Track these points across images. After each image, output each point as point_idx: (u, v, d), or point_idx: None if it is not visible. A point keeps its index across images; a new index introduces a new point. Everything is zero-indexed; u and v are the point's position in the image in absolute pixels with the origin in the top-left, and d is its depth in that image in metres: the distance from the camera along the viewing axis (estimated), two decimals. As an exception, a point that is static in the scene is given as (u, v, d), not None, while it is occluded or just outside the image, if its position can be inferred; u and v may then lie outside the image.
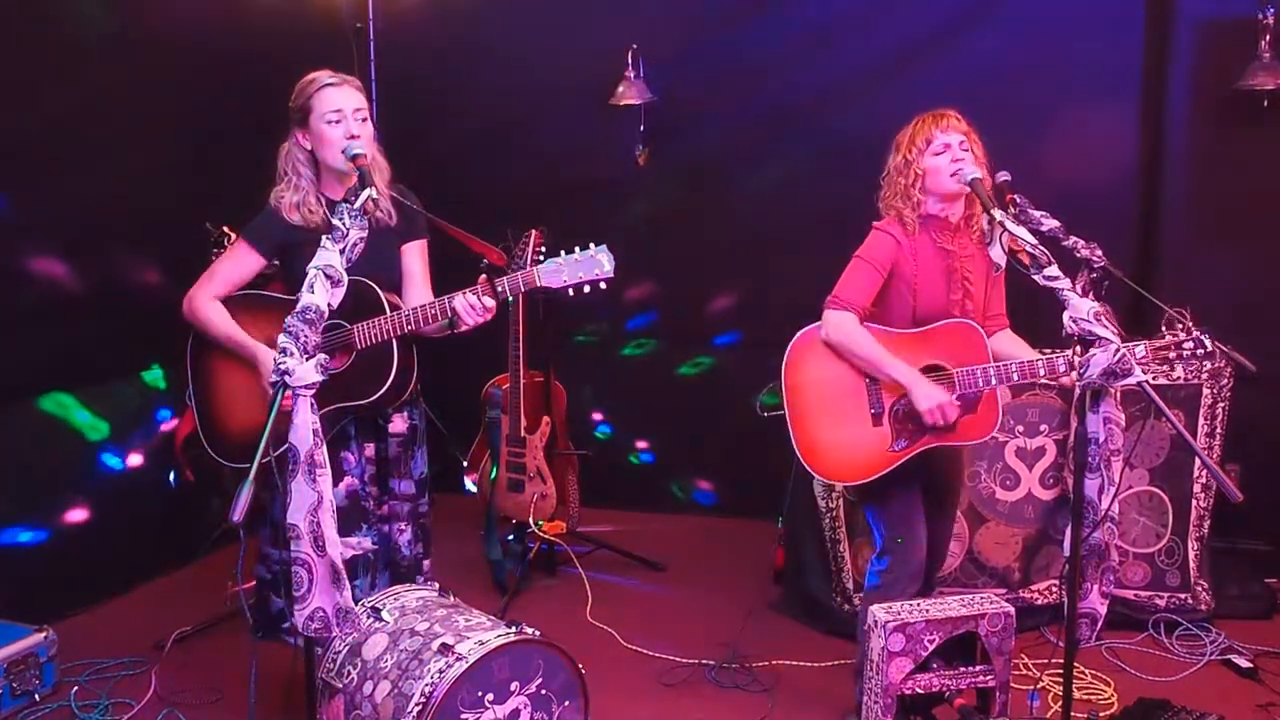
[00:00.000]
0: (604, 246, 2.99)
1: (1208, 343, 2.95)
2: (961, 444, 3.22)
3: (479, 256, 3.38)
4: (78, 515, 4.16)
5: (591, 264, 2.97)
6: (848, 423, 3.17)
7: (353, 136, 3.02)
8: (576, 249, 2.99)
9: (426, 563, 3.36)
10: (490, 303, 2.99)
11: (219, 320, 3.15)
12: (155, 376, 4.44)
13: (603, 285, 3.00)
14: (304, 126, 3.10)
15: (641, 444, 5.40)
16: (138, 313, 4.21)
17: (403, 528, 3.27)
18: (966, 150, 3.09)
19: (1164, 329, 2.99)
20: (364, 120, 3.08)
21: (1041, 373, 3.06)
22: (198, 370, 3.26)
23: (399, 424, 3.25)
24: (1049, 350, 3.23)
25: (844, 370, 3.17)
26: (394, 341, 3.04)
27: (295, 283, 3.11)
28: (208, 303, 3.16)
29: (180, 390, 3.76)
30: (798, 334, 3.21)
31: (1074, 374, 2.85)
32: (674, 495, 5.37)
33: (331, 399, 3.01)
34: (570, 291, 3.00)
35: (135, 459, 4.38)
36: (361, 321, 3.03)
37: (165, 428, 4.46)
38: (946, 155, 3.10)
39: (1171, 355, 2.97)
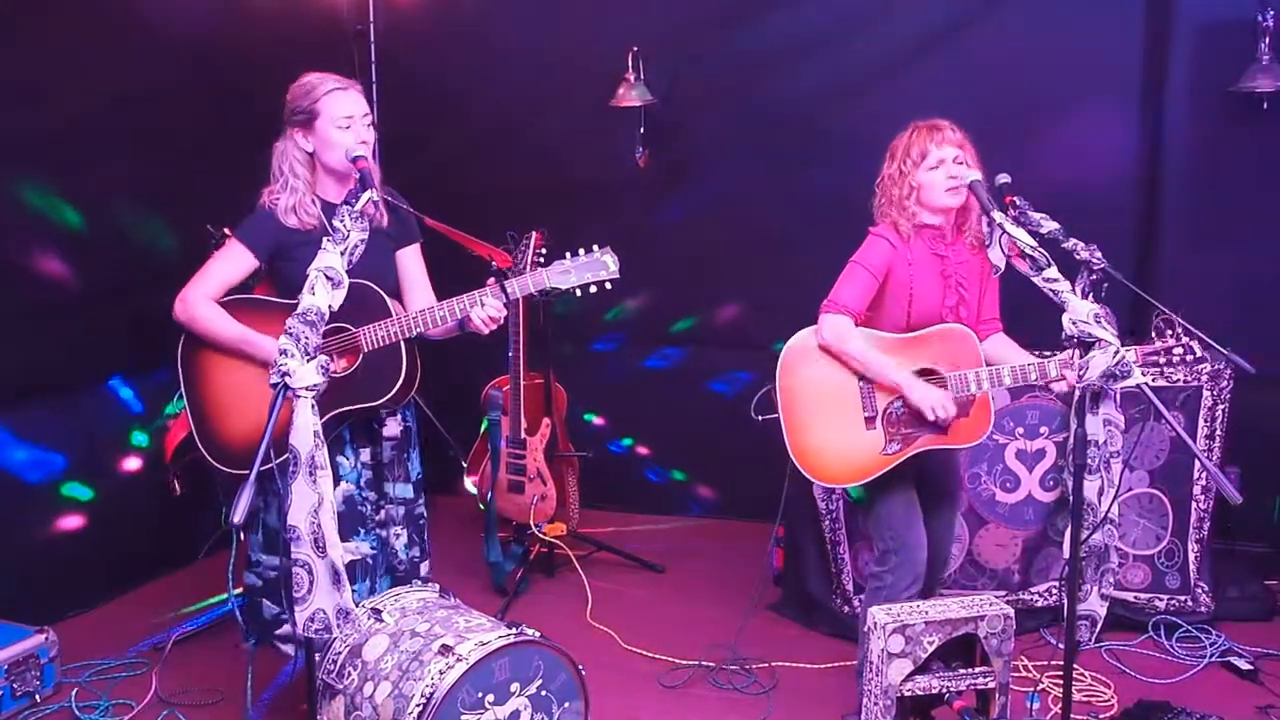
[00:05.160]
0: (608, 248, 3.09)
1: (1197, 349, 2.95)
2: (954, 447, 3.23)
3: (475, 258, 3.40)
4: (78, 517, 4.16)
5: (598, 265, 3.07)
6: (842, 426, 3.18)
7: (364, 142, 3.03)
8: (582, 251, 3.09)
9: (424, 565, 3.35)
10: (500, 306, 3.03)
11: (218, 318, 3.11)
12: (158, 379, 4.44)
13: (608, 286, 3.10)
14: (308, 128, 3.08)
15: (641, 445, 5.41)
16: (139, 313, 4.21)
17: (399, 532, 3.27)
18: (961, 164, 3.11)
19: (1154, 335, 3.00)
20: (369, 125, 3.10)
21: (1033, 376, 3.08)
22: (189, 373, 3.20)
23: (393, 427, 3.25)
24: (1049, 354, 3.23)
25: (838, 374, 3.19)
26: (401, 344, 3.05)
27: (284, 285, 3.14)
28: (204, 302, 3.12)
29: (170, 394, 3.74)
30: (793, 338, 3.22)
31: (1068, 375, 2.85)
32: (674, 497, 5.37)
33: (338, 402, 3.01)
34: (577, 292, 3.09)
35: (135, 461, 4.38)
36: (367, 324, 3.03)
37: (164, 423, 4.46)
38: (942, 170, 3.12)
39: (1161, 361, 2.98)
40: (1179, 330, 2.96)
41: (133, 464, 4.38)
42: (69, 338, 4.04)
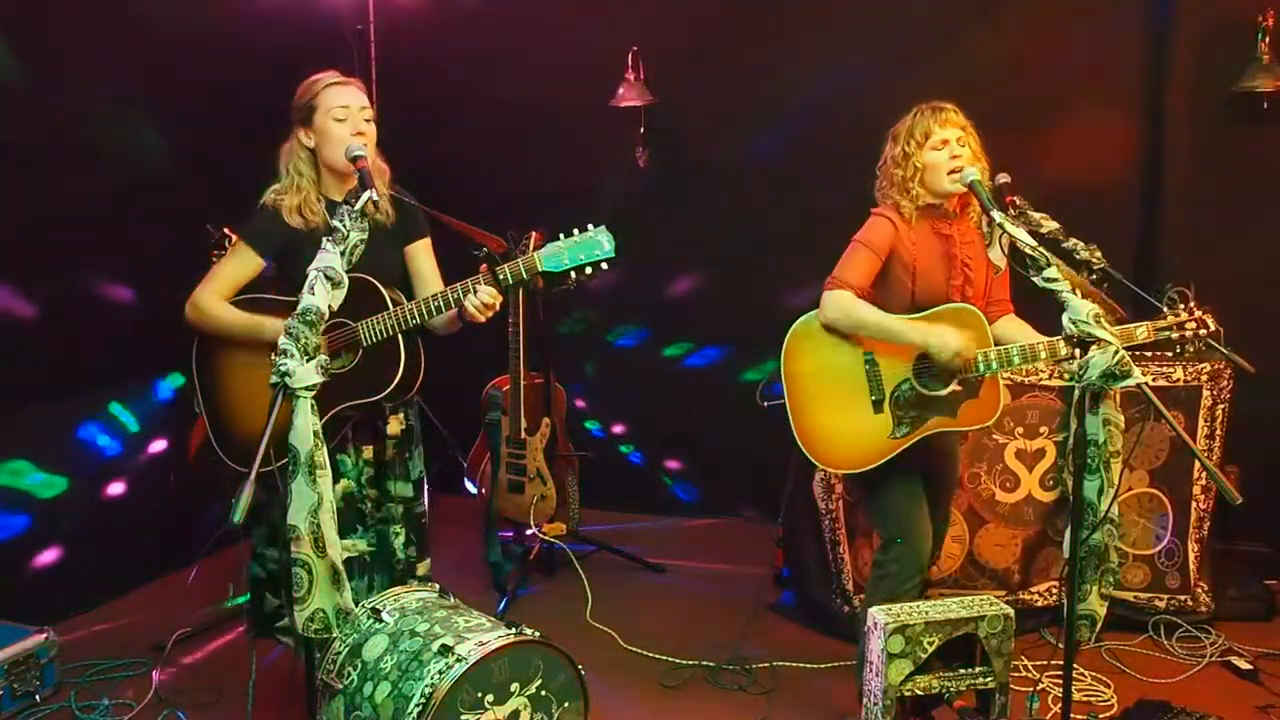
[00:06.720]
0: (603, 226, 2.94)
1: (1210, 322, 2.94)
2: (964, 429, 3.21)
3: (479, 251, 3.37)
4: (79, 516, 4.16)
5: (591, 245, 2.93)
6: (848, 411, 3.16)
7: (359, 134, 3.02)
8: (575, 230, 2.94)
9: (422, 565, 3.33)
10: (494, 292, 2.98)
11: (230, 314, 3.10)
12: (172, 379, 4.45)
13: (604, 266, 2.95)
14: (308, 124, 3.07)
15: (641, 445, 5.41)
16: (141, 314, 4.22)
17: (398, 530, 3.26)
18: (964, 146, 3.10)
19: (1165, 309, 2.99)
20: (369, 120, 3.08)
21: (1043, 355, 3.05)
22: (204, 376, 3.19)
23: (395, 426, 3.23)
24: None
25: (844, 357, 3.16)
26: (400, 337, 3.03)
27: (293, 284, 3.10)
28: (214, 300, 3.11)
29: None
30: (797, 322, 3.20)
31: (1078, 355, 2.83)
32: (674, 497, 5.37)
33: (339, 398, 3.00)
34: (572, 275, 2.94)
35: (137, 460, 4.39)
36: (366, 319, 3.02)
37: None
38: (945, 151, 3.11)
39: (1174, 336, 2.96)
40: (1191, 304, 2.96)
41: (134, 463, 4.38)
42: (74, 338, 4.05)
